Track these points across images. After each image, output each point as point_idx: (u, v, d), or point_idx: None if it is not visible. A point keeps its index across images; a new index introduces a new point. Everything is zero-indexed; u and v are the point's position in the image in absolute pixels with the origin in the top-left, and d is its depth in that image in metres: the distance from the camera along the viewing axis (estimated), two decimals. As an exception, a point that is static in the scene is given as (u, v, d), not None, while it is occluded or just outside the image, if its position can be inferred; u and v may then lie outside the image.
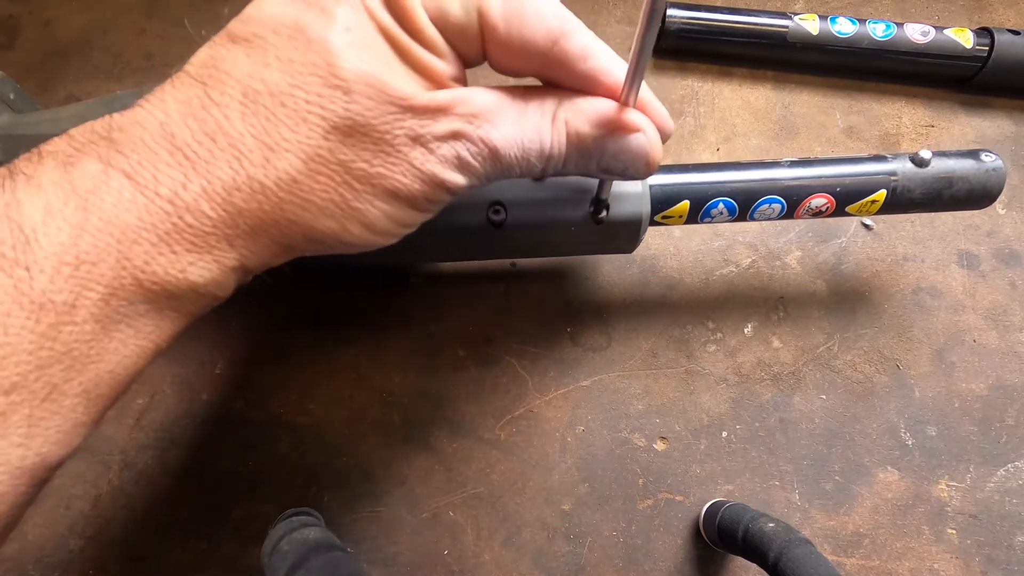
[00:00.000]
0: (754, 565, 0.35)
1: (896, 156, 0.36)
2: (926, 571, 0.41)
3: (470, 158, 0.20)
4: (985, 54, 0.46)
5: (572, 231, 0.33)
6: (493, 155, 0.21)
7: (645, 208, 0.33)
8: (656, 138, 0.22)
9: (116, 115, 0.18)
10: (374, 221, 0.20)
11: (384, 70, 0.18)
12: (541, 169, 0.22)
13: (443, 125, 0.19)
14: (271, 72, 0.18)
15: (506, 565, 0.39)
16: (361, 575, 0.35)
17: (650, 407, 0.42)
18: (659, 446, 0.42)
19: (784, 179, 0.35)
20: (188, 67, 0.19)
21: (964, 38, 0.46)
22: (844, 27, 0.46)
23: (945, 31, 0.47)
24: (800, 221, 0.46)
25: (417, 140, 0.19)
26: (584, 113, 0.21)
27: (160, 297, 0.18)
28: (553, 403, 0.42)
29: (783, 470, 0.42)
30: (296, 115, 0.18)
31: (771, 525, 0.34)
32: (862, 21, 0.47)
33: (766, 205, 0.35)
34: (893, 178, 0.35)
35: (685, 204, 0.34)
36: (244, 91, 0.18)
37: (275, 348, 0.42)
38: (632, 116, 0.21)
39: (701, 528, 0.40)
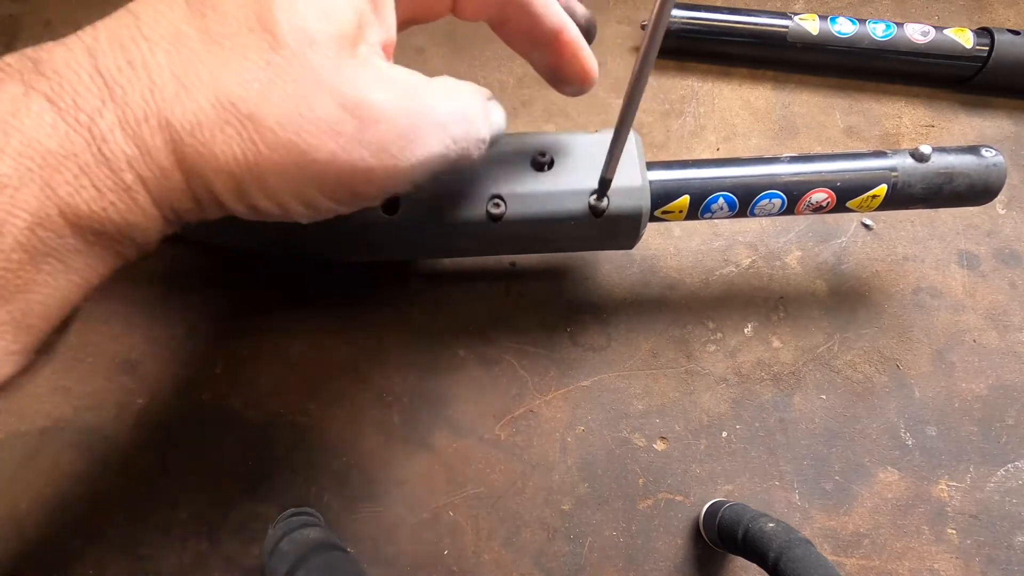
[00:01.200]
0: (754, 565, 0.35)
1: (896, 152, 0.36)
2: (926, 571, 0.41)
3: (416, 139, 0.19)
4: (985, 54, 0.46)
5: (572, 225, 0.33)
6: (440, 139, 0.20)
7: (645, 202, 0.33)
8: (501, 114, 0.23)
9: (50, 42, 0.18)
10: (278, 195, 0.19)
11: (319, 19, 0.18)
12: (474, 154, 0.22)
13: (377, 94, 0.18)
14: (205, 20, 0.18)
15: (506, 565, 0.39)
16: (361, 575, 0.35)
17: (650, 407, 0.42)
18: (659, 446, 0.42)
19: (784, 174, 0.35)
20: (129, 4, 0.18)
21: (964, 38, 0.46)
22: (844, 27, 0.46)
23: (945, 31, 0.47)
24: (800, 220, 0.46)
25: (347, 110, 0.18)
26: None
27: (87, 233, 0.18)
28: (553, 403, 0.42)
29: (783, 470, 0.42)
30: (217, 59, 0.17)
31: (771, 525, 0.34)
32: (862, 21, 0.47)
33: (766, 200, 0.35)
34: (893, 173, 0.35)
35: (685, 199, 0.35)
36: (175, 32, 0.18)
37: (275, 348, 0.42)
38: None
39: (701, 528, 0.40)
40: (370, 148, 0.18)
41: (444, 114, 0.20)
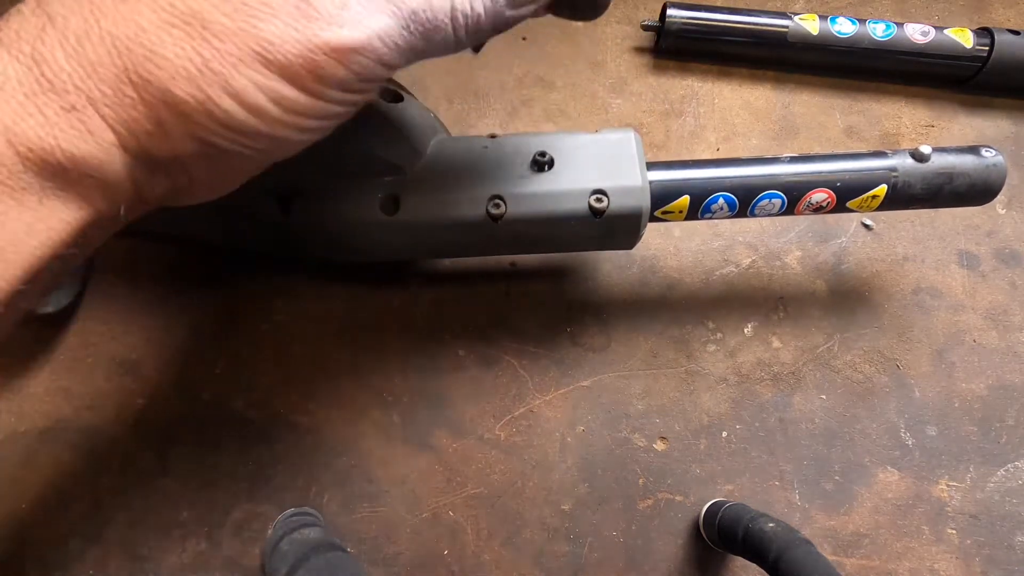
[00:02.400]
0: (754, 565, 0.35)
1: (896, 152, 0.36)
2: (926, 571, 0.41)
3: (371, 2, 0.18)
4: (985, 54, 0.46)
5: (572, 225, 0.33)
6: (411, 12, 0.18)
7: (645, 203, 0.33)
8: None
9: None
10: (243, 92, 0.17)
11: None
12: (474, 29, 0.20)
13: None
14: None
15: (506, 565, 0.39)
16: (361, 575, 0.35)
17: (650, 407, 0.42)
18: (659, 446, 0.42)
19: (784, 174, 0.35)
20: None
21: (964, 38, 0.46)
22: (844, 27, 0.46)
23: (945, 31, 0.47)
24: (800, 221, 0.46)
25: None
26: None
27: (42, 169, 0.17)
28: (553, 403, 0.42)
29: (783, 470, 0.42)
30: None
31: (771, 525, 0.34)
32: (862, 21, 0.47)
33: (766, 200, 0.35)
34: (893, 173, 0.35)
35: (685, 199, 0.34)
36: None
37: (275, 348, 0.42)
38: None
39: (701, 528, 0.40)
40: (318, 23, 0.17)
41: None
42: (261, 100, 0.18)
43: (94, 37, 0.17)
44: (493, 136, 0.35)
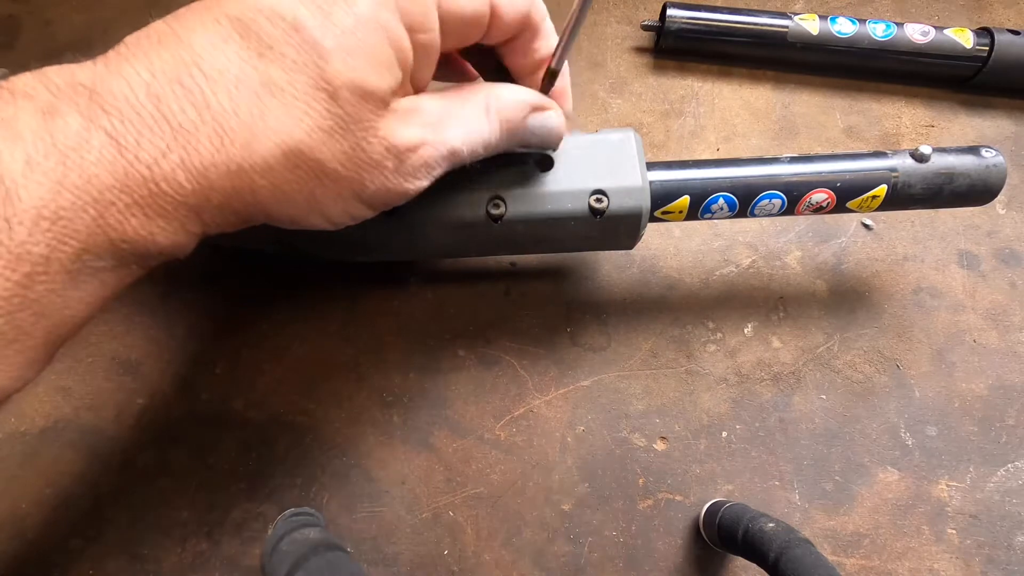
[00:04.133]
0: (754, 565, 0.35)
1: (896, 152, 0.36)
2: (926, 571, 0.41)
3: (433, 163, 0.22)
4: (985, 54, 0.46)
5: (572, 225, 0.33)
6: (451, 155, 0.23)
7: (645, 203, 0.33)
8: (562, 113, 0.27)
9: (99, 64, 0.18)
10: (334, 216, 0.22)
11: (371, 75, 0.19)
12: (482, 154, 0.25)
13: (411, 132, 0.21)
14: (264, 63, 0.18)
15: (506, 565, 0.39)
16: (361, 575, 0.35)
17: (650, 407, 0.42)
18: (659, 446, 0.42)
19: (784, 174, 0.35)
20: (176, 27, 0.19)
21: (964, 38, 0.46)
22: (844, 27, 0.46)
23: (945, 31, 0.47)
24: (800, 221, 0.46)
25: (390, 151, 0.21)
26: (511, 102, 0.25)
27: (127, 254, 0.19)
28: (553, 403, 0.42)
29: (783, 470, 0.42)
30: (282, 109, 0.18)
31: (771, 525, 0.34)
32: (862, 21, 0.47)
33: (766, 200, 0.35)
34: (894, 174, 0.35)
35: (685, 200, 0.34)
36: (238, 74, 0.18)
37: (275, 348, 0.42)
38: (545, 98, 0.26)
39: (701, 528, 0.40)
40: (404, 175, 0.22)
41: (459, 141, 0.23)
42: (343, 218, 0.22)
43: (221, 166, 0.18)
44: None
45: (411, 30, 0.20)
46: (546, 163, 0.32)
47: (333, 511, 0.40)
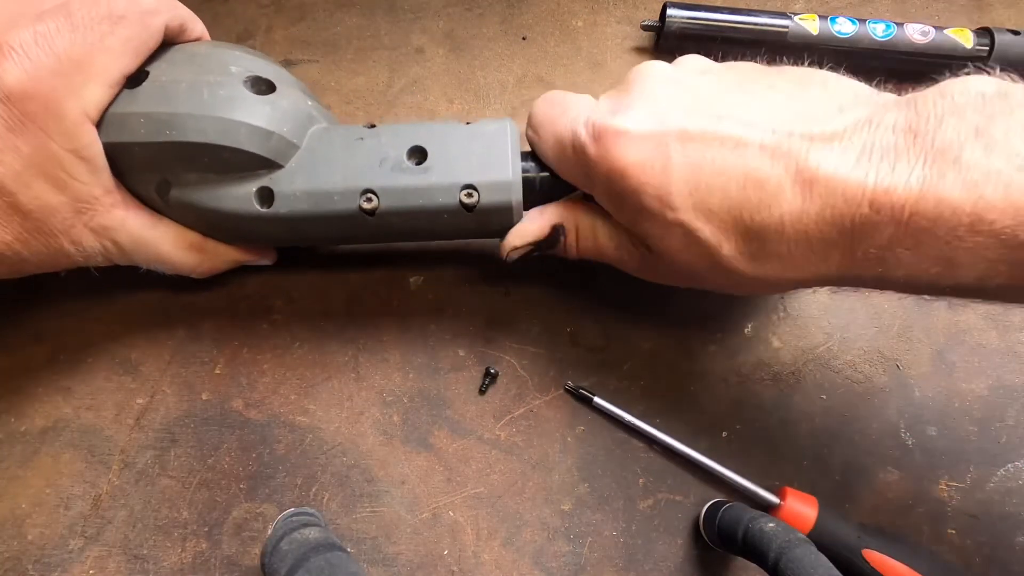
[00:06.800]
0: (754, 565, 0.35)
1: None
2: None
3: None
4: (985, 54, 0.46)
5: (445, 219, 0.34)
6: None
7: (516, 196, 0.34)
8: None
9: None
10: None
11: None
12: None
13: None
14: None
15: (506, 565, 0.39)
16: (361, 575, 0.35)
17: (650, 407, 0.42)
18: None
19: None
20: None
21: (964, 38, 0.46)
22: (844, 27, 0.46)
23: (945, 31, 0.47)
24: (800, 221, 0.46)
25: None
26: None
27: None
28: (553, 403, 0.42)
29: (783, 470, 0.42)
30: None
31: (771, 525, 0.34)
32: (862, 21, 0.47)
33: None
34: None
35: None
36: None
37: (275, 348, 0.42)
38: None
39: (701, 528, 0.40)
40: None
41: None
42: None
43: None
44: (372, 126, 0.35)
45: None
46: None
47: (333, 511, 0.40)
